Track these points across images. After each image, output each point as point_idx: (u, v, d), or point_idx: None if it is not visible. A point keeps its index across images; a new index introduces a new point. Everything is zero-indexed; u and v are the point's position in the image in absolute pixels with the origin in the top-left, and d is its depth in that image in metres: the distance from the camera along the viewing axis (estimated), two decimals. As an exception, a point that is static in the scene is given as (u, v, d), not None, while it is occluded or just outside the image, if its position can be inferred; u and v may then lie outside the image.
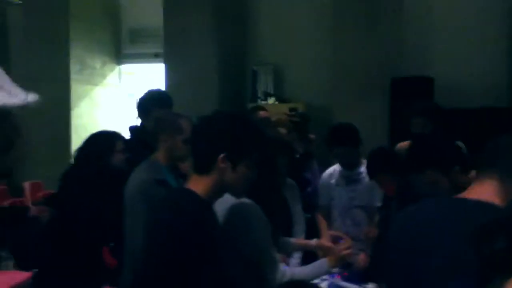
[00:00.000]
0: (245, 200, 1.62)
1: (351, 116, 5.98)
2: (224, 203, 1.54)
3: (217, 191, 1.42)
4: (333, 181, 2.92)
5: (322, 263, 1.88)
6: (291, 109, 2.89)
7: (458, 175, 1.90)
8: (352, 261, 2.55)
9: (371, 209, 2.79)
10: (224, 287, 1.43)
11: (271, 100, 6.51)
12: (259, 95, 6.62)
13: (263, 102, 6.50)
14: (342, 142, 2.74)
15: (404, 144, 3.09)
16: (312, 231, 2.98)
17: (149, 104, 2.77)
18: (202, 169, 1.41)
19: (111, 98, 7.05)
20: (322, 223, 2.94)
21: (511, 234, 0.78)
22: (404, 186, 2.45)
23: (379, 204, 2.75)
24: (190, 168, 1.50)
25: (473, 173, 1.97)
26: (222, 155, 1.36)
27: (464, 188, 1.93)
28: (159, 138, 2.29)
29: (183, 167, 2.52)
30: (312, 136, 2.89)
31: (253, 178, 1.45)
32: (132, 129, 2.86)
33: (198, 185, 1.41)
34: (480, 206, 1.17)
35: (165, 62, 6.59)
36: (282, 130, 3.13)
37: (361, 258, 2.62)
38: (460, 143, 3.11)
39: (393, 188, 2.50)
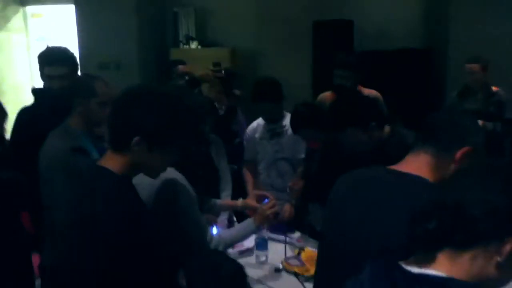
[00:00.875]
0: (171, 174, 1.59)
1: (276, 61, 6.01)
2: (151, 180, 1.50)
3: (132, 171, 1.36)
4: (257, 135, 2.94)
5: (248, 223, 1.93)
6: (215, 64, 2.79)
7: (375, 131, 2.01)
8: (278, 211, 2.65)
9: (295, 161, 2.87)
10: (155, 263, 1.43)
11: (193, 45, 6.29)
12: (181, 39, 6.36)
13: (185, 47, 6.27)
14: (265, 97, 2.73)
15: (325, 96, 3.15)
16: (240, 183, 3.03)
17: (43, 62, 2.43)
18: (116, 147, 1.34)
19: (16, 45, 6.42)
20: (249, 180, 2.99)
21: (443, 216, 0.83)
22: (328, 141, 2.53)
23: (303, 155, 2.83)
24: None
25: (387, 128, 2.10)
26: (137, 138, 1.29)
27: (379, 141, 2.04)
28: (73, 102, 2.14)
29: (98, 131, 2.39)
30: (237, 91, 2.86)
31: (172, 161, 1.41)
32: (36, 91, 2.53)
33: (112, 162, 1.34)
34: (418, 182, 1.22)
35: (75, 4, 6.06)
36: (207, 86, 3.05)
37: (286, 209, 2.72)
38: (376, 95, 3.25)
39: (316, 142, 2.57)
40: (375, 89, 3.31)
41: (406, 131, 2.11)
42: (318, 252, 1.53)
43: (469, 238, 0.82)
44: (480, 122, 3.10)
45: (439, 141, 1.26)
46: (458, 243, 0.83)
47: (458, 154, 1.23)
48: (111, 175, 1.32)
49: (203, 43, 6.31)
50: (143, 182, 1.54)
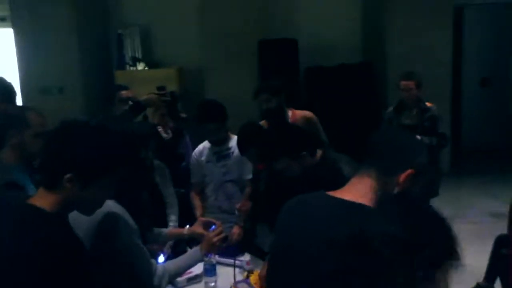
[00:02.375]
0: (110, 207, 1.56)
1: (223, 79, 6.05)
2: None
3: (65, 208, 1.32)
4: (203, 158, 2.94)
5: (194, 251, 1.92)
6: (159, 88, 2.77)
7: (307, 159, 2.10)
8: (227, 234, 2.64)
9: (242, 182, 2.89)
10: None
11: (140, 66, 6.22)
12: (127, 60, 6.27)
13: (131, 68, 6.18)
14: (209, 118, 2.75)
15: (263, 123, 3.17)
16: (189, 207, 3.00)
17: None
18: (48, 185, 1.30)
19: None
20: (197, 204, 2.97)
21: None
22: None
23: (249, 176, 2.86)
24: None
25: (319, 152, 2.17)
26: (68, 175, 1.26)
27: (311, 167, 2.12)
28: (5, 135, 2.06)
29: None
30: (183, 114, 2.85)
31: (108, 197, 1.38)
32: None
33: (44, 201, 1.29)
34: (355, 208, 1.20)
35: (13, 27, 5.84)
36: (151, 110, 3.02)
37: (235, 231, 2.73)
38: (311, 117, 3.32)
39: (263, 163, 2.59)
40: (320, 103, 3.40)
41: (337, 154, 2.20)
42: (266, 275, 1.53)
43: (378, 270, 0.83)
44: (418, 137, 3.25)
45: (382, 164, 1.25)
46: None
47: (402, 176, 1.24)
48: (41, 213, 1.27)
49: (150, 64, 6.26)
50: (81, 218, 1.50)
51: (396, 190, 1.24)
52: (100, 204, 1.39)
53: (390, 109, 3.60)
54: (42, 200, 1.30)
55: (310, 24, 6.34)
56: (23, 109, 2.12)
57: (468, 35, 7.00)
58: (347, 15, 6.54)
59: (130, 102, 2.84)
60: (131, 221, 1.63)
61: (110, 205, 1.58)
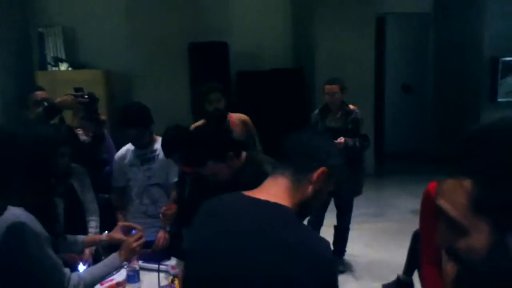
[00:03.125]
0: (18, 216, 1.45)
1: (152, 83, 5.93)
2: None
3: None
4: (126, 161, 2.84)
5: (113, 258, 1.83)
6: (76, 89, 2.62)
7: (233, 159, 2.09)
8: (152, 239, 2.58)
9: (168, 185, 2.82)
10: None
11: (63, 66, 5.94)
12: (48, 61, 5.96)
13: (54, 69, 5.89)
14: (132, 123, 2.66)
15: (198, 124, 3.16)
16: (113, 213, 2.89)
17: None
18: None
19: None
20: (118, 209, 2.87)
21: None
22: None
23: (175, 179, 2.80)
24: None
25: (244, 154, 2.18)
26: None
27: (237, 169, 2.11)
28: None
29: None
30: (103, 117, 2.72)
31: (10, 203, 1.29)
32: None
33: None
34: (271, 207, 1.20)
35: None
36: (69, 113, 2.87)
37: (161, 236, 2.66)
38: (245, 119, 3.37)
39: (189, 165, 2.55)
40: (250, 107, 3.43)
41: (263, 156, 2.22)
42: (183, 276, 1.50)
43: None
44: (342, 139, 3.37)
45: (295, 163, 1.26)
46: None
47: (315, 175, 1.24)
48: None
49: (74, 65, 5.99)
50: None
51: (310, 190, 1.26)
52: (1, 213, 1.30)
53: (316, 112, 3.70)
54: None
55: (240, 29, 6.39)
56: None
57: (390, 42, 7.41)
58: (278, 21, 6.67)
59: (45, 104, 2.68)
60: (40, 229, 1.53)
61: (17, 214, 1.47)
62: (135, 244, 1.86)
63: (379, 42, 6.77)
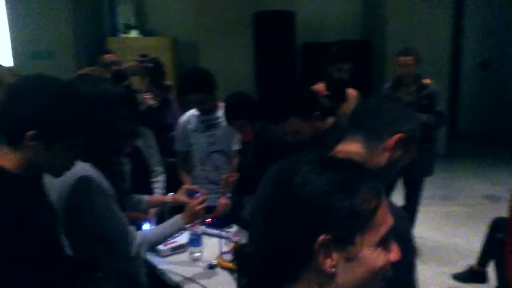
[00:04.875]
0: (85, 171, 1.47)
1: (217, 51, 5.91)
2: (65, 178, 1.37)
3: (30, 168, 1.23)
4: (190, 126, 2.83)
5: (175, 220, 1.83)
6: (142, 55, 2.64)
7: (318, 121, 1.94)
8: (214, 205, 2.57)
9: (230, 153, 2.80)
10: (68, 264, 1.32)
11: (133, 33, 6.06)
12: (119, 27, 6.10)
13: (123, 35, 6.02)
14: (193, 88, 2.63)
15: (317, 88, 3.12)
16: (177, 176, 2.92)
17: None
18: (10, 142, 1.21)
19: None
20: (182, 173, 2.89)
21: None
22: (261, 133, 2.48)
23: (237, 147, 2.77)
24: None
25: (330, 119, 2.05)
26: (31, 132, 1.16)
27: (320, 132, 1.98)
28: None
29: None
30: (168, 82, 2.72)
31: (76, 158, 1.28)
32: None
33: (7, 159, 1.20)
34: None
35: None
36: (137, 79, 2.90)
37: (222, 203, 2.65)
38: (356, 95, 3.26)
39: (250, 133, 2.51)
40: (316, 80, 3.30)
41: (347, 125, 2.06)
42: None
43: None
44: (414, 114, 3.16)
45: (368, 128, 1.17)
46: None
47: (391, 141, 1.14)
48: (5, 175, 1.18)
49: (143, 32, 6.09)
50: (54, 181, 1.41)
51: (385, 156, 1.15)
52: (67, 167, 1.30)
53: (387, 85, 3.49)
54: (4, 159, 1.21)
55: (308, -2, 6.18)
56: None
57: (469, 16, 6.86)
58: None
59: (113, 68, 2.72)
60: (107, 185, 1.54)
61: (85, 169, 1.49)
62: (198, 207, 1.84)
63: (457, 15, 6.28)
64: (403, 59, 3.31)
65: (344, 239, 0.69)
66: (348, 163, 0.75)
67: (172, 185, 2.78)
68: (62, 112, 1.19)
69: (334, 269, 0.69)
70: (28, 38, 5.63)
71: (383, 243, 0.71)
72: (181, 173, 2.88)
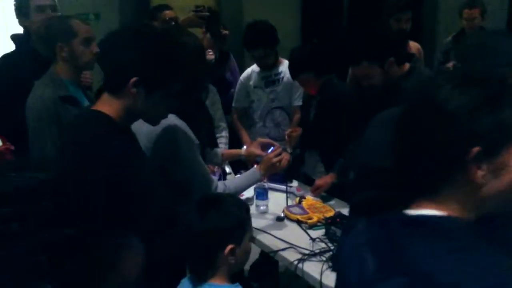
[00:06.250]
0: (172, 120, 1.50)
1: (262, 6, 5.78)
2: (151, 127, 1.41)
3: (130, 116, 1.27)
4: (251, 82, 2.83)
5: (253, 172, 1.87)
6: (197, 6, 2.61)
7: (393, 66, 1.87)
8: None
9: (291, 109, 2.78)
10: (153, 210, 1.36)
11: (176, -9, 6.00)
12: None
13: (168, -6, 5.98)
14: (259, 43, 2.60)
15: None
16: (235, 133, 2.95)
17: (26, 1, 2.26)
18: (112, 89, 1.24)
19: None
20: (240, 129, 2.90)
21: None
22: (326, 86, 2.45)
23: (299, 103, 2.75)
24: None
25: (407, 65, 1.98)
26: (134, 79, 1.18)
27: (395, 79, 1.92)
28: (54, 48, 2.00)
29: (85, 78, 2.26)
30: (225, 31, 2.66)
31: (172, 107, 1.31)
32: (17, 38, 2.37)
33: (109, 106, 1.24)
34: None
35: None
36: (195, 32, 2.87)
37: (285, 158, 2.66)
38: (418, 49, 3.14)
39: (316, 86, 2.47)
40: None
41: (427, 69, 1.97)
42: None
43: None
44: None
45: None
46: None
47: None
48: (107, 118, 1.22)
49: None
50: (141, 129, 1.45)
51: None
52: (165, 114, 1.34)
53: (449, 39, 3.36)
54: (107, 106, 1.24)
55: None
56: (65, 19, 2.04)
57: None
58: None
59: (173, 23, 2.71)
60: (192, 135, 1.58)
61: (171, 119, 1.52)
62: (275, 159, 1.87)
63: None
64: (468, 12, 3.16)
65: (493, 151, 0.71)
66: (490, 79, 0.76)
67: (231, 142, 2.82)
68: (163, 59, 1.21)
69: (484, 180, 0.71)
70: (73, 0, 5.67)
71: None
72: (240, 130, 2.90)
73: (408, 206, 0.77)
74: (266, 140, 2.14)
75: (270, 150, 1.99)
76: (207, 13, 2.56)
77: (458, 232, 0.71)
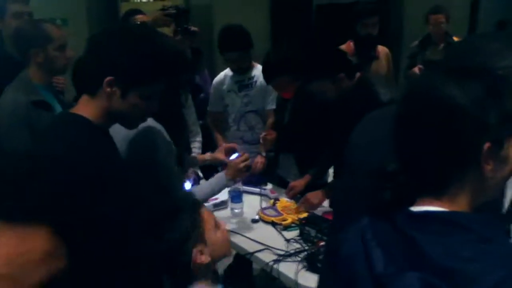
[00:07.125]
0: (150, 123, 1.50)
1: (233, 14, 5.81)
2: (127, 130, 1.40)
3: (107, 119, 1.25)
4: (224, 87, 2.84)
5: (220, 177, 1.88)
6: (164, 5, 2.61)
7: (344, 81, 1.98)
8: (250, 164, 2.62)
9: (264, 112, 2.81)
10: (130, 212, 1.37)
11: (146, -3, 5.96)
12: (131, -8, 5.99)
13: (136, 0, 5.93)
14: (233, 46, 2.62)
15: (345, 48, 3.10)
16: (207, 138, 2.95)
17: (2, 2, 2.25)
18: (89, 90, 1.24)
19: None
20: (216, 133, 2.91)
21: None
22: (299, 91, 2.48)
23: (273, 107, 2.77)
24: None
25: (358, 75, 2.07)
26: (108, 78, 1.18)
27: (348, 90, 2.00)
28: (28, 53, 1.97)
29: (58, 83, 2.23)
30: (194, 28, 2.64)
31: (151, 109, 1.29)
32: None
33: (87, 108, 1.23)
34: None
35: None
36: (165, 31, 2.85)
37: (259, 161, 2.69)
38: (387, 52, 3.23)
39: (291, 90, 2.49)
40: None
41: (375, 76, 2.08)
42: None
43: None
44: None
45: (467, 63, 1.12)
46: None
47: None
48: (83, 120, 1.21)
49: (157, -5, 5.99)
50: (118, 133, 1.44)
51: None
52: (142, 118, 1.33)
53: (415, 43, 3.48)
54: (85, 108, 1.24)
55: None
56: (39, 23, 2.01)
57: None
58: None
59: None
60: (169, 140, 1.58)
61: (150, 121, 1.52)
62: (241, 165, 1.90)
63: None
64: (434, 17, 3.28)
65: (501, 144, 0.71)
66: (488, 70, 0.77)
67: (204, 146, 2.83)
68: (138, 58, 1.21)
69: (492, 174, 0.72)
70: (40, 5, 5.55)
71: None
72: (215, 134, 2.91)
73: (411, 204, 0.77)
74: (231, 145, 2.17)
75: (235, 156, 2.02)
76: (174, 11, 2.54)
77: (473, 225, 0.70)
